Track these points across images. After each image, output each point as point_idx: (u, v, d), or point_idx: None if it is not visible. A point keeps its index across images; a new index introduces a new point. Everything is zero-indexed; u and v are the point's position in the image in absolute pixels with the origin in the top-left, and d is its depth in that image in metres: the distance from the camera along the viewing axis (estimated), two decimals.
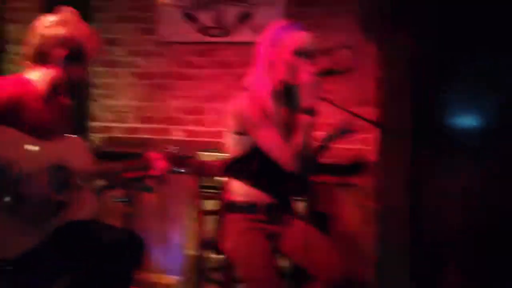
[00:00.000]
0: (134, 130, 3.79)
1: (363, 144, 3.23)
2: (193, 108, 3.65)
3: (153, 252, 3.63)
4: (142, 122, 3.77)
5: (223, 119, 2.33)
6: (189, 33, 3.62)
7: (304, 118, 2.10)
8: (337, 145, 3.32)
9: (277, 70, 2.16)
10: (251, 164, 2.19)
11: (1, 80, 1.91)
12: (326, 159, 3.26)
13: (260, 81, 2.17)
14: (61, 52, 1.94)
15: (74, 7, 3.64)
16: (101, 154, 3.57)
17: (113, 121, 3.83)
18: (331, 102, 2.65)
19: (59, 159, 1.90)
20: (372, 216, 2.74)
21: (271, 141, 2.12)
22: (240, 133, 2.18)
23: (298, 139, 2.10)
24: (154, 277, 3.54)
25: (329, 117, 3.30)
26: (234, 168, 2.24)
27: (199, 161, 2.55)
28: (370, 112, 3.22)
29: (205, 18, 3.60)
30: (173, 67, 3.69)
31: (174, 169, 2.28)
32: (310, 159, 2.24)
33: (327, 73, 2.19)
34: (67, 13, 2.04)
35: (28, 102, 1.89)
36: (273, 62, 2.16)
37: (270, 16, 3.46)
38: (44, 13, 3.73)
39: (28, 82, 1.94)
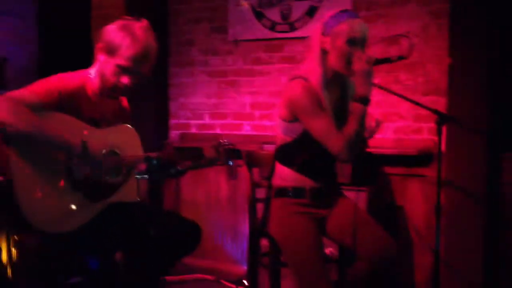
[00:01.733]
0: (209, 126, 3.94)
1: (432, 134, 3.10)
2: (263, 103, 3.72)
3: (223, 242, 3.75)
4: (216, 118, 3.91)
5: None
6: (258, 30, 3.71)
7: (357, 107, 2.08)
8: (404, 136, 3.25)
9: (330, 59, 2.15)
10: (300, 151, 2.21)
11: (65, 76, 2.09)
12: (393, 149, 3.20)
13: (313, 70, 2.16)
14: (101, 56, 2.07)
15: (153, 12, 3.94)
16: (175, 149, 3.81)
17: (190, 118, 4.01)
18: (394, 93, 2.59)
19: (111, 145, 2.05)
20: (440, 209, 2.62)
21: (323, 130, 2.11)
22: (291, 120, 2.20)
23: (351, 128, 2.08)
24: (224, 267, 3.66)
25: (396, 106, 3.27)
26: (283, 154, 2.27)
27: (249, 152, 2.59)
28: (439, 101, 3.11)
29: (273, 14, 3.66)
30: (244, 64, 3.79)
31: (225, 161, 2.33)
32: (360, 148, 2.20)
33: (381, 61, 2.11)
34: (132, 20, 2.11)
35: (85, 95, 2.07)
36: (327, 51, 2.15)
37: (337, 7, 3.43)
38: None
39: (87, 77, 2.11)
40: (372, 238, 2.12)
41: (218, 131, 3.91)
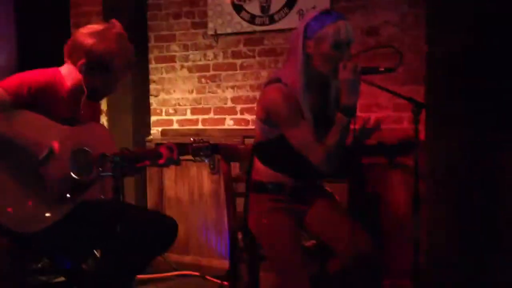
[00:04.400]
0: (191, 121, 3.92)
1: (412, 123, 3.08)
2: (244, 97, 3.70)
3: (208, 238, 3.74)
4: (198, 113, 3.88)
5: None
6: (237, 24, 3.68)
7: (340, 117, 1.99)
8: (384, 126, 3.24)
9: (315, 63, 2.06)
10: (277, 152, 2.17)
11: (36, 72, 2.07)
12: (373, 140, 3.19)
13: (295, 76, 2.06)
14: (81, 60, 2.06)
15: (132, 6, 3.91)
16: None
17: (172, 114, 3.99)
18: (371, 83, 2.57)
19: (81, 143, 2.03)
20: (418, 199, 2.60)
21: (301, 140, 2.04)
22: (267, 123, 2.14)
23: (332, 139, 2.00)
24: (209, 263, 3.64)
25: (375, 96, 3.25)
26: (260, 153, 2.23)
27: (226, 146, 2.56)
28: (419, 90, 3.10)
29: (253, 7, 3.64)
30: (224, 58, 3.77)
31: (200, 158, 2.31)
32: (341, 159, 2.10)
33: (368, 71, 2.04)
34: (108, 26, 2.12)
35: (56, 92, 2.05)
36: (310, 55, 2.06)
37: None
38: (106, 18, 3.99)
39: (59, 75, 2.10)
40: (349, 235, 2.07)
41: (200, 126, 3.89)
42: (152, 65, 4.02)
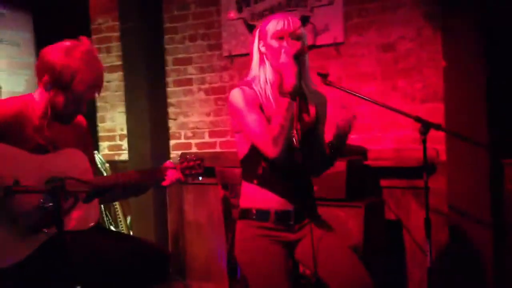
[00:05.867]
0: (209, 145, 3.86)
1: (433, 142, 2.92)
2: None
3: (221, 263, 3.65)
4: (215, 136, 3.83)
5: None
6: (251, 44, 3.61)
7: (282, 101, 1.97)
8: (404, 146, 3.09)
9: (269, 61, 2.07)
10: (258, 159, 2.05)
11: (5, 102, 2.04)
12: (391, 161, 3.04)
13: (255, 76, 2.09)
14: (44, 77, 1.99)
15: (148, 30, 3.91)
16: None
17: (190, 137, 3.94)
18: (365, 98, 2.45)
19: (54, 172, 1.94)
20: (429, 223, 2.43)
21: (253, 126, 1.98)
22: (239, 130, 2.09)
23: (275, 121, 1.95)
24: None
25: (395, 115, 3.10)
26: (244, 168, 2.13)
27: (221, 169, 2.46)
28: (438, 107, 2.95)
29: None
30: (240, 79, 3.70)
31: (194, 178, 2.24)
32: (294, 147, 2.02)
33: (300, 53, 2.02)
34: (75, 43, 2.04)
35: (28, 121, 1.97)
36: (264, 54, 2.08)
37: (329, 16, 3.35)
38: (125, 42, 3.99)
39: (31, 100, 2.02)
40: (346, 270, 1.94)
41: (218, 149, 3.83)
42: (170, 88, 4.00)
